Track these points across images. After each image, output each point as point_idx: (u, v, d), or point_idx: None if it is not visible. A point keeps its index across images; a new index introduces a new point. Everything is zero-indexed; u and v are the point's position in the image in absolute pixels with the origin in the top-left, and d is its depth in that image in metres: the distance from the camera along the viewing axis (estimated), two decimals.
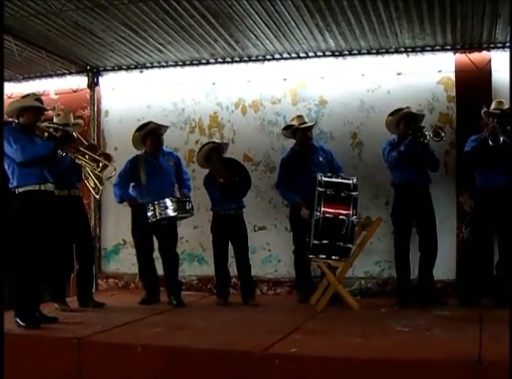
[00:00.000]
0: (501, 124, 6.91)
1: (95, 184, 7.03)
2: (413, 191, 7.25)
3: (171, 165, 7.83)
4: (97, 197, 7.43)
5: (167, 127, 7.89)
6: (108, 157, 6.89)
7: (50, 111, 7.20)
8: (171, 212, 7.33)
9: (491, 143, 6.75)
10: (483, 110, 7.10)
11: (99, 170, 6.73)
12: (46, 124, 6.79)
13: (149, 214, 7.29)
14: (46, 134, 6.59)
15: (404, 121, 7.32)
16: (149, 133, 7.69)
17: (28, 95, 6.43)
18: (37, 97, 6.45)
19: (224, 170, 7.59)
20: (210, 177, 7.71)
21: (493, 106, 7.12)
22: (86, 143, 7.07)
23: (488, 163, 6.90)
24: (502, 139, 6.75)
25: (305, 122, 7.75)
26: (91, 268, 7.77)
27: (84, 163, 6.69)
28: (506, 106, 7.01)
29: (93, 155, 6.68)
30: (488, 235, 7.10)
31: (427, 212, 7.29)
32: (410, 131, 7.13)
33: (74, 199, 7.31)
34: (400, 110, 7.40)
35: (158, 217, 7.28)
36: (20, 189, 6.08)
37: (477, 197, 7.28)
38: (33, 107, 6.25)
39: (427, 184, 7.36)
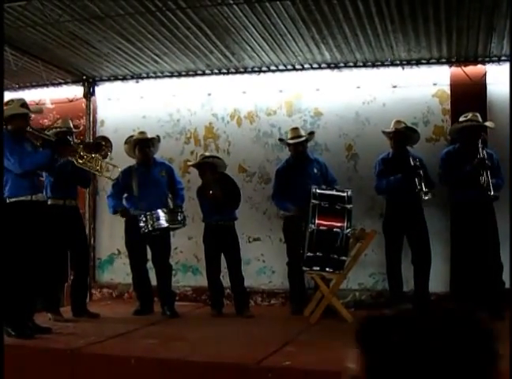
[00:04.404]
0: (477, 136, 7.08)
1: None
2: (404, 206, 7.28)
3: (163, 175, 7.84)
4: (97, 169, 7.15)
5: (151, 139, 7.84)
6: (102, 143, 6.93)
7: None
8: (163, 223, 7.33)
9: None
10: (452, 126, 7.25)
11: (98, 168, 6.82)
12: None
13: (141, 225, 7.29)
14: (39, 141, 6.58)
15: (394, 139, 7.37)
16: (136, 145, 7.73)
17: (11, 101, 6.30)
18: (22, 102, 6.35)
19: (214, 184, 7.61)
20: (202, 188, 7.72)
21: (462, 119, 7.22)
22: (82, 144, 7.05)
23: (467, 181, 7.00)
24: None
25: (297, 136, 7.73)
26: (85, 278, 7.77)
27: (85, 164, 6.73)
28: (480, 118, 7.17)
29: (91, 154, 6.71)
30: (475, 248, 7.12)
31: (418, 226, 7.32)
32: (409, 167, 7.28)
33: (70, 209, 7.31)
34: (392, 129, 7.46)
35: (150, 228, 7.28)
36: (12, 200, 6.07)
37: (458, 212, 7.32)
38: (20, 115, 6.20)
39: (418, 200, 7.37)
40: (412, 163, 7.23)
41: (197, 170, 7.80)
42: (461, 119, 7.19)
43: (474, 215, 6.99)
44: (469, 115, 7.16)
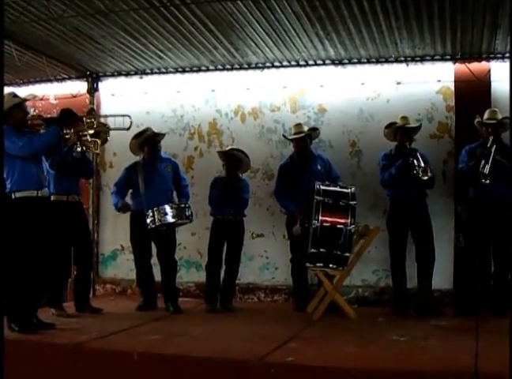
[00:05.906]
0: (496, 134, 7.00)
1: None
2: (408, 203, 7.26)
3: (169, 171, 7.82)
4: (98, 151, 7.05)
5: (163, 134, 7.89)
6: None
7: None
8: (170, 219, 7.30)
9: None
10: (476, 120, 7.13)
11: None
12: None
13: (149, 220, 7.26)
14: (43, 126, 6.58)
15: (400, 132, 7.34)
16: (146, 141, 7.70)
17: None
18: (14, 94, 6.28)
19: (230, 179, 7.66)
20: (219, 179, 7.79)
21: (486, 115, 7.12)
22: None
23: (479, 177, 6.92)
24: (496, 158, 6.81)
25: (299, 132, 7.69)
26: (89, 273, 7.74)
27: (96, 130, 6.67)
28: (500, 116, 7.05)
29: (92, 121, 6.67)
30: (484, 246, 7.10)
31: (422, 223, 7.27)
32: (404, 146, 7.22)
33: (73, 204, 7.27)
34: (394, 123, 7.42)
35: (157, 223, 7.26)
36: (18, 194, 6.05)
37: (471, 209, 7.28)
38: (16, 105, 6.15)
39: (422, 197, 7.35)
40: (407, 146, 7.21)
41: (222, 160, 7.79)
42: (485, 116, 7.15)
43: (487, 213, 6.95)
44: (488, 112, 7.13)
